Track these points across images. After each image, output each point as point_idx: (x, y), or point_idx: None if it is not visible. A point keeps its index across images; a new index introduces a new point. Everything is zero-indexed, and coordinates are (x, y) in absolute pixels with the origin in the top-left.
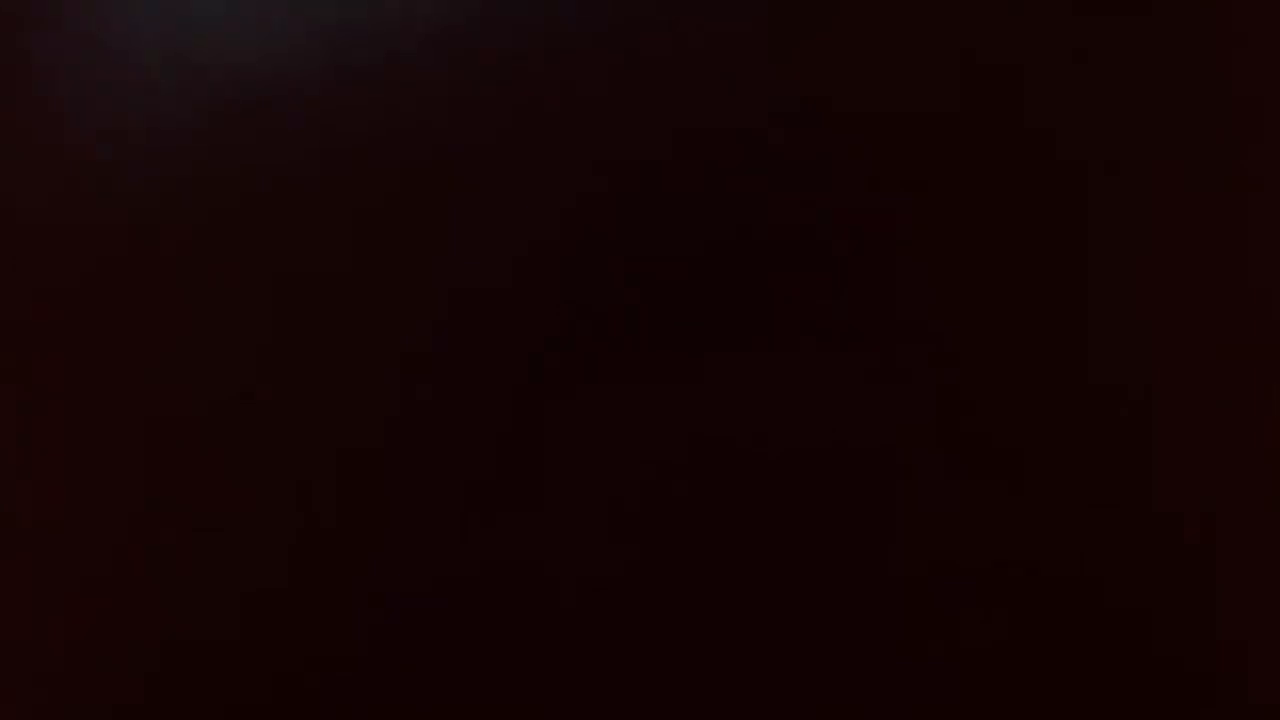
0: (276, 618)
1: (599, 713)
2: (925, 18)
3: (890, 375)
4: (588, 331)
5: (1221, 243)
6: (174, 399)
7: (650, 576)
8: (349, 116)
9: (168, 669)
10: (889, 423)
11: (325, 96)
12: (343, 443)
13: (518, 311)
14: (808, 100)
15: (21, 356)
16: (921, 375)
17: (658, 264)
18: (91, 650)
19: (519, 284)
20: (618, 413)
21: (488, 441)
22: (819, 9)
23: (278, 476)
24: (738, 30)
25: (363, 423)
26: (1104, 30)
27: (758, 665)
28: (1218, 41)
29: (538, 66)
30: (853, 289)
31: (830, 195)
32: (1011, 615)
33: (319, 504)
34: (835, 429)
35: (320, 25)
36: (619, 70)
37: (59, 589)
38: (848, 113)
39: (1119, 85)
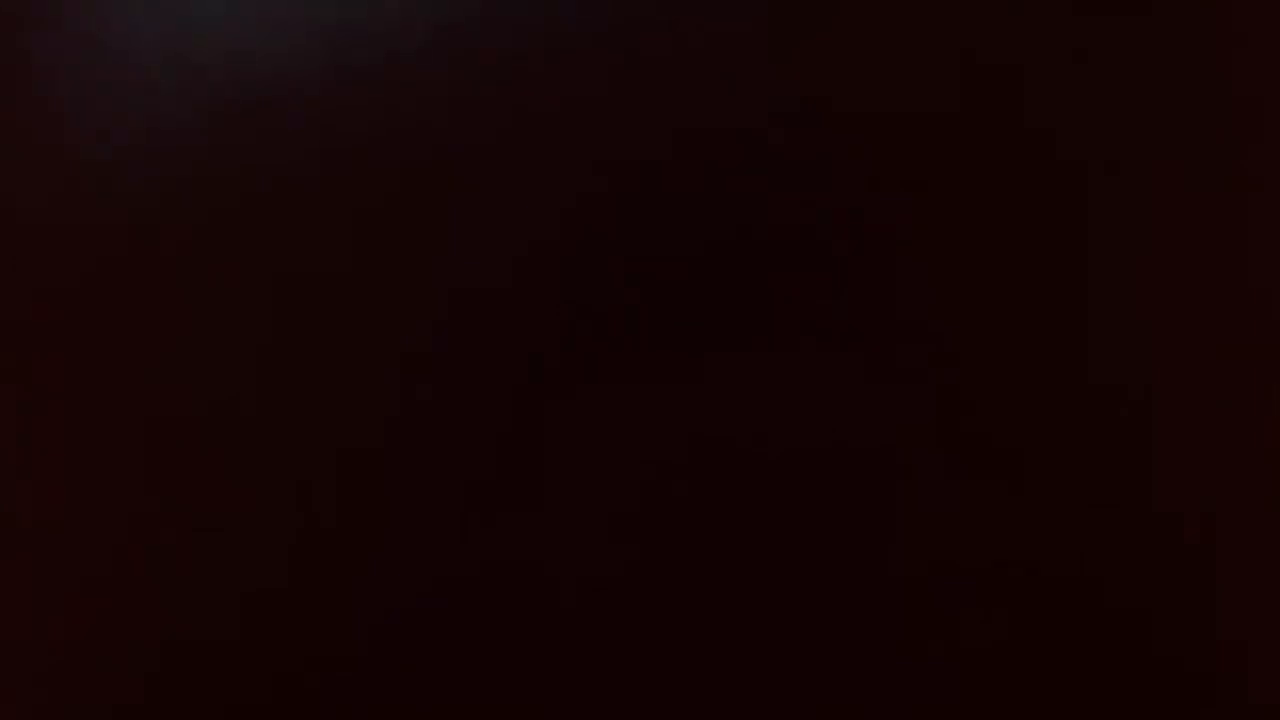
0: (276, 618)
1: (599, 713)
2: (925, 18)
3: (890, 375)
4: (588, 331)
5: (1221, 243)
6: (174, 399)
7: (650, 577)
8: (349, 116)
9: (168, 669)
10: (889, 423)
11: (325, 96)
12: (343, 443)
13: (518, 311)
14: (808, 100)
15: (21, 356)
16: (921, 375)
17: (658, 264)
18: (91, 650)
19: (519, 284)
20: (618, 413)
21: (488, 441)
22: (819, 9)
23: (278, 476)
24: (738, 30)
25: (363, 423)
26: (1104, 30)
27: (758, 665)
28: (1218, 41)
29: (538, 66)
30: (853, 289)
31: (830, 195)
32: (1011, 615)
33: (319, 504)
34: (835, 429)
35: (320, 25)
36: (619, 70)
37: (59, 589)
38: (848, 113)
39: (1119, 85)
